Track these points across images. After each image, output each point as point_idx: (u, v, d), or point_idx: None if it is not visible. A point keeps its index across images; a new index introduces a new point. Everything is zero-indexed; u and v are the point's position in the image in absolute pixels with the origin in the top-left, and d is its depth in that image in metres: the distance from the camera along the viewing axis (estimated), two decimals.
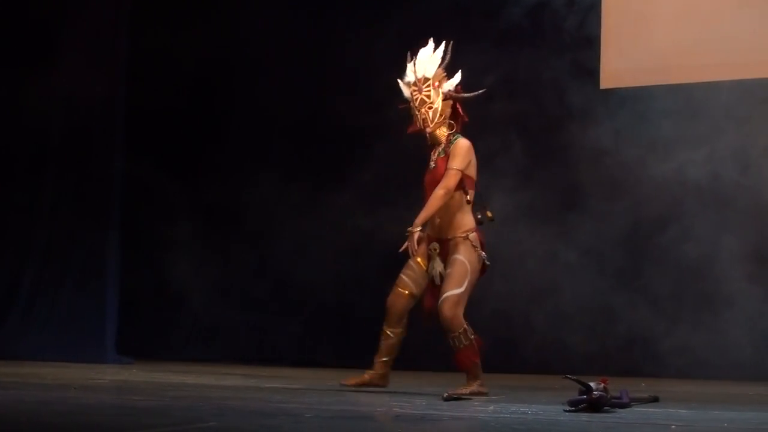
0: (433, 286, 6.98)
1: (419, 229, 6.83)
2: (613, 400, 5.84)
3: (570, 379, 5.85)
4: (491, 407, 5.82)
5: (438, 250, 6.94)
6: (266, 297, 12.26)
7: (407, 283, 7.02)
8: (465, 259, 6.84)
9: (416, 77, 7.07)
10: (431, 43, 7.11)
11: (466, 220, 6.96)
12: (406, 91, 7.15)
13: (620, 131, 10.81)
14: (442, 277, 6.90)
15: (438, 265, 6.93)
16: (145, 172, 11.99)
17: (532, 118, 11.21)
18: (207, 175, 12.57)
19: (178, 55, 12.18)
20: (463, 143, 6.98)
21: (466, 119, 7.13)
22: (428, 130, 7.01)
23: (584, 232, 10.74)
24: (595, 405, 5.61)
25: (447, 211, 6.92)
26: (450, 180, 6.87)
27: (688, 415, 5.70)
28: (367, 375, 7.08)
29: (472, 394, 6.69)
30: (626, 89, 11.08)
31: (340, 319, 11.91)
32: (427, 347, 11.10)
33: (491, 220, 7.07)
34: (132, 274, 11.81)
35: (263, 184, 12.03)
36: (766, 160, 10.36)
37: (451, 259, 6.88)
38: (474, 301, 7.04)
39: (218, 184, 12.44)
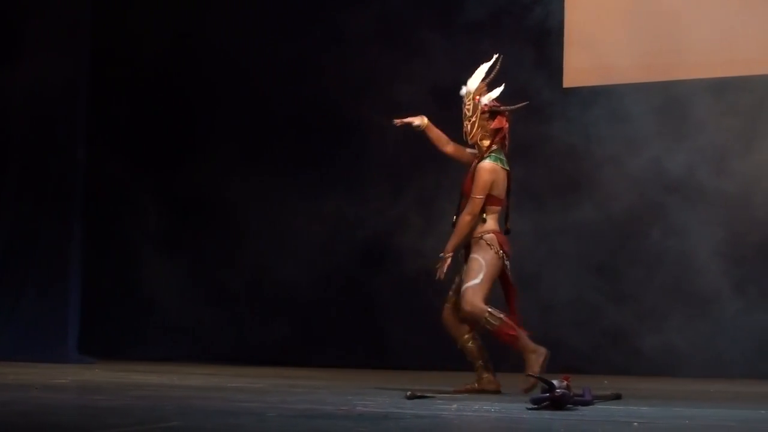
0: None
1: (450, 255, 7.13)
2: (575, 398, 5.86)
3: (533, 377, 5.87)
4: (454, 405, 5.83)
5: (464, 255, 7.22)
6: (237, 294, 12.14)
7: (450, 297, 7.28)
8: (478, 256, 7.08)
9: (465, 91, 7.32)
10: (495, 57, 7.36)
11: (486, 224, 7.15)
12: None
13: (585, 128, 10.82)
14: None
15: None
16: (111, 165, 11.91)
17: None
18: (176, 167, 12.35)
19: (144, 44, 12.07)
20: (484, 168, 7.18)
21: (505, 132, 7.28)
22: (470, 142, 7.29)
23: (557, 230, 10.76)
24: (557, 403, 5.64)
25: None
26: (474, 207, 7.13)
27: (649, 413, 5.72)
28: (476, 383, 7.23)
29: (534, 370, 6.77)
30: (589, 87, 11.11)
31: (316, 316, 11.83)
32: (411, 346, 11.20)
33: (507, 232, 7.27)
34: (96, 272, 11.73)
35: (236, 177, 11.94)
36: (738, 158, 10.40)
37: (468, 259, 7.15)
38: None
39: (189, 177, 12.23)
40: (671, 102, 10.68)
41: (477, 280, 7.00)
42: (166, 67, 12.48)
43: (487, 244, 7.08)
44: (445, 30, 11.32)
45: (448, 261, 7.12)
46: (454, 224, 7.23)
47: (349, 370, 10.33)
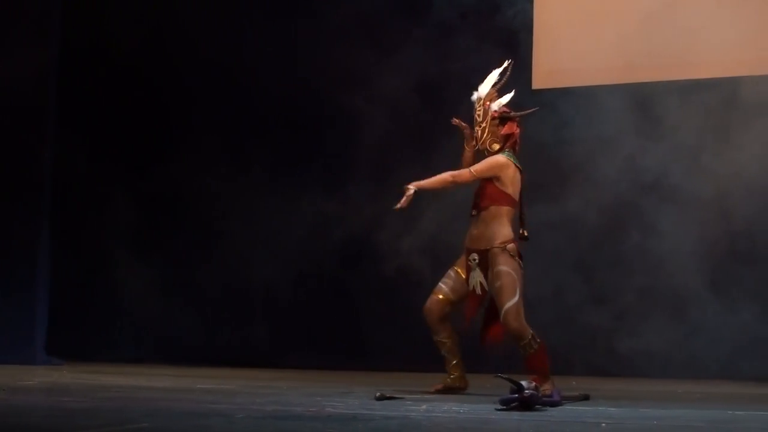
0: (474, 296, 7.21)
1: (414, 190, 7.14)
2: (544, 399, 5.89)
3: (502, 377, 5.88)
4: (423, 406, 5.83)
5: (477, 261, 7.14)
6: (212, 294, 12.06)
7: (442, 289, 7.30)
8: (510, 269, 7.03)
9: (476, 97, 7.36)
10: (506, 63, 7.42)
11: (504, 231, 7.14)
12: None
13: (555, 130, 10.84)
14: (483, 287, 7.13)
15: (478, 275, 7.16)
16: (81, 163, 11.83)
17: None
18: (149, 165, 12.26)
19: (116, 39, 11.93)
20: (495, 156, 7.23)
21: (516, 137, 7.33)
22: (480, 148, 7.30)
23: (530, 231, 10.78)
24: (526, 403, 5.65)
25: (484, 222, 7.15)
26: (462, 176, 7.21)
27: (618, 413, 5.74)
28: (449, 380, 7.31)
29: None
30: (558, 89, 11.12)
31: (292, 317, 11.79)
32: (389, 347, 11.17)
33: (525, 238, 7.30)
34: (64, 272, 11.65)
35: (211, 175, 11.85)
36: (711, 159, 10.45)
37: (495, 272, 7.05)
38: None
39: (162, 175, 12.13)
40: (640, 103, 10.73)
41: (516, 297, 6.96)
42: (139, 63, 12.34)
43: (511, 255, 7.06)
44: (417, 28, 11.33)
45: (410, 194, 7.11)
46: (473, 215, 7.21)
47: (325, 371, 10.31)
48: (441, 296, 7.26)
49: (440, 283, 7.31)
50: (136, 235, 12.21)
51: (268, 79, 11.98)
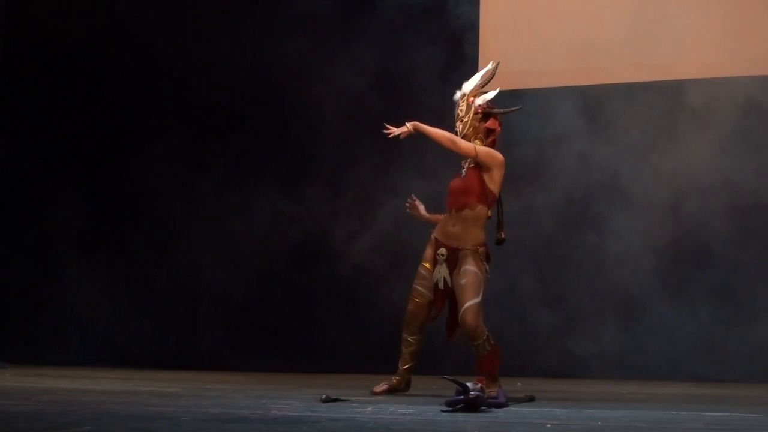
0: (437, 290, 7.22)
1: (412, 126, 7.12)
2: (489, 400, 5.90)
3: (447, 379, 5.90)
4: (369, 408, 5.83)
5: (445, 257, 7.14)
6: (164, 296, 11.99)
7: (422, 293, 7.29)
8: (477, 269, 7.03)
9: (460, 93, 7.38)
10: (491, 64, 7.43)
11: (480, 234, 7.14)
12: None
13: (502, 132, 10.86)
14: (446, 283, 7.14)
15: (444, 271, 7.15)
16: (27, 161, 11.72)
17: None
18: (98, 163, 12.20)
19: (66, 33, 11.89)
20: (499, 154, 7.19)
21: (497, 134, 7.31)
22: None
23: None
24: (472, 405, 5.67)
25: (463, 222, 7.13)
26: (463, 145, 7.10)
27: (563, 414, 5.77)
28: (395, 380, 7.36)
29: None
30: (505, 91, 11.15)
31: (246, 319, 11.73)
32: (345, 349, 11.15)
33: (503, 241, 7.29)
34: (8, 272, 11.56)
35: (164, 173, 11.79)
36: (661, 162, 10.52)
37: (462, 270, 7.05)
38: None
39: (112, 173, 12.10)
40: (589, 106, 10.80)
41: (478, 298, 6.97)
42: (87, 58, 12.27)
43: (481, 259, 7.08)
44: (367, 27, 11.35)
45: (407, 130, 7.13)
46: (454, 210, 7.19)
47: (273, 373, 10.28)
48: (422, 299, 7.28)
49: (416, 286, 7.31)
50: (83, 235, 12.11)
51: (224, 76, 11.94)
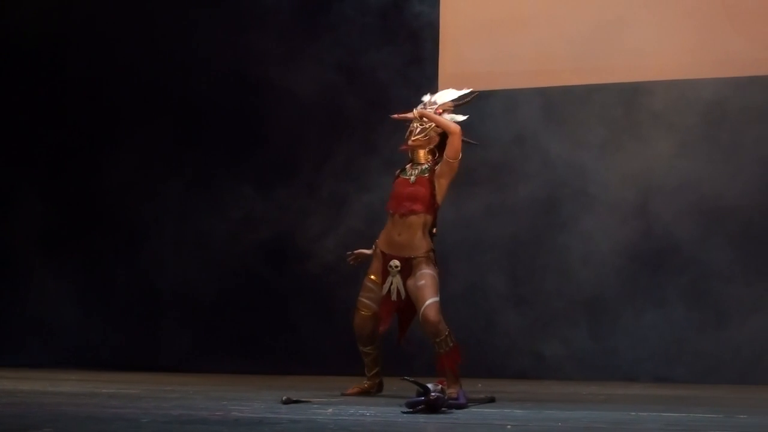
0: (389, 302, 7.24)
1: (416, 116, 7.26)
2: (450, 401, 5.92)
3: (408, 380, 5.90)
4: (330, 410, 5.83)
5: (399, 268, 7.17)
6: (129, 297, 11.83)
7: (368, 305, 7.34)
8: (433, 273, 7.11)
9: (429, 100, 7.42)
10: (465, 90, 7.48)
11: (428, 240, 7.20)
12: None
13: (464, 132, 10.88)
14: (399, 294, 7.19)
15: (397, 281, 7.19)
16: None
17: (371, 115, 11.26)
18: (61, 162, 12.05)
19: (25, 28, 11.75)
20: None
21: (452, 155, 7.25)
22: (410, 141, 7.29)
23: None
24: (432, 406, 5.68)
25: (409, 229, 7.17)
26: (458, 143, 7.17)
27: (523, 415, 5.79)
28: (366, 385, 7.44)
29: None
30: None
31: (215, 320, 11.62)
32: (316, 350, 11.11)
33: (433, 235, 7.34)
34: None
35: (129, 171, 11.66)
36: (620, 164, 10.57)
37: (419, 274, 7.11)
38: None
39: (75, 171, 11.97)
40: (549, 107, 10.81)
41: (437, 297, 7.04)
42: (50, 55, 12.10)
43: (434, 263, 7.17)
44: (325, 26, 11.37)
45: (415, 113, 7.25)
46: (399, 215, 7.23)
47: (235, 375, 10.23)
48: (368, 312, 7.33)
49: (362, 298, 7.36)
50: (45, 235, 11.97)
51: (187, 72, 11.82)
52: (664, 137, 10.42)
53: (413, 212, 7.15)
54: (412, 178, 7.24)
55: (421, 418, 5.48)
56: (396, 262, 7.16)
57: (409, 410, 5.70)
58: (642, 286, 10.52)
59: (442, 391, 5.80)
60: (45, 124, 12.14)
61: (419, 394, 5.74)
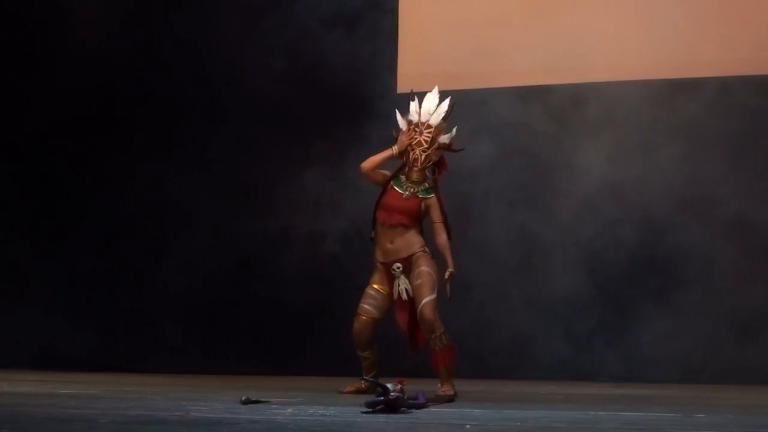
0: (401, 303, 7.50)
1: (451, 274, 7.40)
2: (409, 401, 5.93)
3: (367, 380, 5.92)
4: (289, 410, 5.83)
5: (401, 269, 7.43)
6: (101, 298, 11.77)
7: (368, 310, 7.57)
8: (429, 269, 7.39)
9: (420, 120, 7.59)
10: (436, 91, 7.66)
11: (419, 238, 7.51)
12: (402, 124, 7.67)
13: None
14: (408, 293, 7.42)
15: (404, 282, 7.44)
16: None
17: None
18: (33, 159, 11.96)
19: None
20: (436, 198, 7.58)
21: (447, 168, 7.69)
22: (415, 169, 7.55)
23: None
24: (392, 406, 5.69)
25: (400, 236, 7.47)
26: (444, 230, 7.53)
27: (482, 415, 5.81)
28: (363, 385, 7.49)
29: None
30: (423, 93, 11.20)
31: (193, 321, 11.58)
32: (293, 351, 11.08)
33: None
34: None
35: (106, 168, 11.62)
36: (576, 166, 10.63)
37: (417, 272, 7.40)
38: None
39: (46, 166, 11.89)
40: (515, 106, 10.86)
41: (435, 295, 7.32)
42: (19, 47, 12.08)
43: (431, 258, 7.43)
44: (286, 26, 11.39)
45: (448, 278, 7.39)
46: (371, 239, 7.60)
47: (199, 376, 10.20)
48: (368, 317, 7.56)
49: (363, 305, 7.59)
50: (14, 232, 11.88)
51: (164, 65, 11.81)
52: (622, 136, 10.54)
53: (402, 224, 7.47)
54: (406, 194, 7.52)
55: (381, 417, 5.49)
56: (398, 265, 7.44)
57: (368, 410, 5.71)
58: (603, 287, 10.58)
59: (401, 391, 5.83)
60: (6, 122, 12.03)
61: (378, 394, 5.75)
